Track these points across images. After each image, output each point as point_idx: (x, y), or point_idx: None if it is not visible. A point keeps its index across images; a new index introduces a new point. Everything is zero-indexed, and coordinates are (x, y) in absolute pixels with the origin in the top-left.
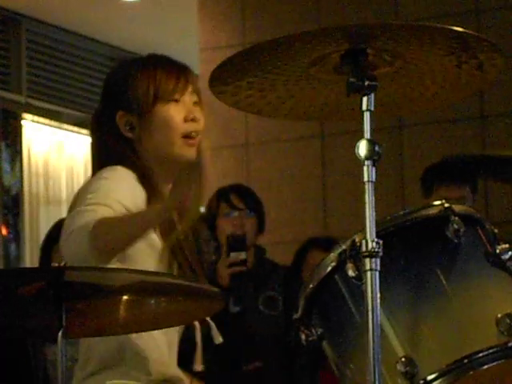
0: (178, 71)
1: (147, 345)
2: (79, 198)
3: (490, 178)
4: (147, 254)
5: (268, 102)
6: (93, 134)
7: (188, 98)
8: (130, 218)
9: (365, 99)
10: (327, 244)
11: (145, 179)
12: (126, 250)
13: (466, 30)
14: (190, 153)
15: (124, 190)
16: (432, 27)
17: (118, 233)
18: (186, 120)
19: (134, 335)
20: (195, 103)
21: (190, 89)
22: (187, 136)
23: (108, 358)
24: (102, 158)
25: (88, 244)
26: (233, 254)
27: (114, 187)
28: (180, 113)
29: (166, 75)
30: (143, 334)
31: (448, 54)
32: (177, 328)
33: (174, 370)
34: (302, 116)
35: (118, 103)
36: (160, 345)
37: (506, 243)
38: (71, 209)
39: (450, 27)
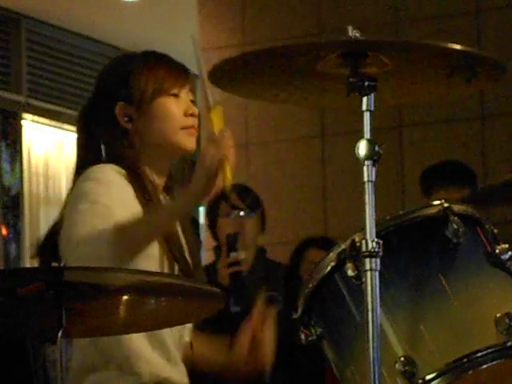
0: (178, 68)
1: (138, 345)
2: (69, 203)
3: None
4: (147, 260)
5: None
6: (83, 130)
7: (185, 95)
8: (151, 217)
9: (365, 99)
10: (324, 242)
11: (137, 177)
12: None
13: (467, 49)
14: (190, 143)
15: (114, 194)
16: (431, 46)
17: (141, 236)
18: (185, 114)
19: (124, 336)
20: (191, 101)
21: (187, 87)
22: (187, 128)
23: (92, 360)
24: (92, 155)
25: (108, 252)
26: (232, 254)
27: (104, 191)
28: (179, 107)
29: (167, 70)
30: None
31: (445, 70)
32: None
33: (171, 372)
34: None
35: (118, 95)
36: (157, 345)
37: (505, 243)
38: (62, 214)
39: (449, 47)
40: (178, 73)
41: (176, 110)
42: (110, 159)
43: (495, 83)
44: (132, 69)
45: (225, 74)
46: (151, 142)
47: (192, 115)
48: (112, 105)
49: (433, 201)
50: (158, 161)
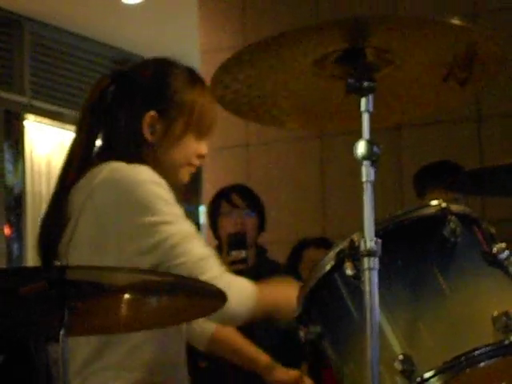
0: (216, 114)
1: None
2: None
3: (488, 193)
4: None
5: (267, 110)
6: (96, 118)
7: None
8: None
9: (363, 100)
10: (322, 242)
11: None
12: None
13: (465, 24)
14: (186, 179)
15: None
16: (431, 20)
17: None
18: (198, 156)
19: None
20: None
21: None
22: (191, 166)
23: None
24: (116, 151)
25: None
26: (233, 253)
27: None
28: (197, 145)
29: (210, 104)
30: (155, 334)
31: (444, 53)
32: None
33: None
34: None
35: (155, 103)
36: (169, 345)
37: (502, 242)
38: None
39: (449, 20)
40: (215, 121)
41: (193, 148)
42: (131, 160)
43: (493, 81)
44: (178, 87)
45: (223, 77)
46: (160, 163)
47: (202, 157)
48: (144, 110)
49: (428, 200)
50: None
